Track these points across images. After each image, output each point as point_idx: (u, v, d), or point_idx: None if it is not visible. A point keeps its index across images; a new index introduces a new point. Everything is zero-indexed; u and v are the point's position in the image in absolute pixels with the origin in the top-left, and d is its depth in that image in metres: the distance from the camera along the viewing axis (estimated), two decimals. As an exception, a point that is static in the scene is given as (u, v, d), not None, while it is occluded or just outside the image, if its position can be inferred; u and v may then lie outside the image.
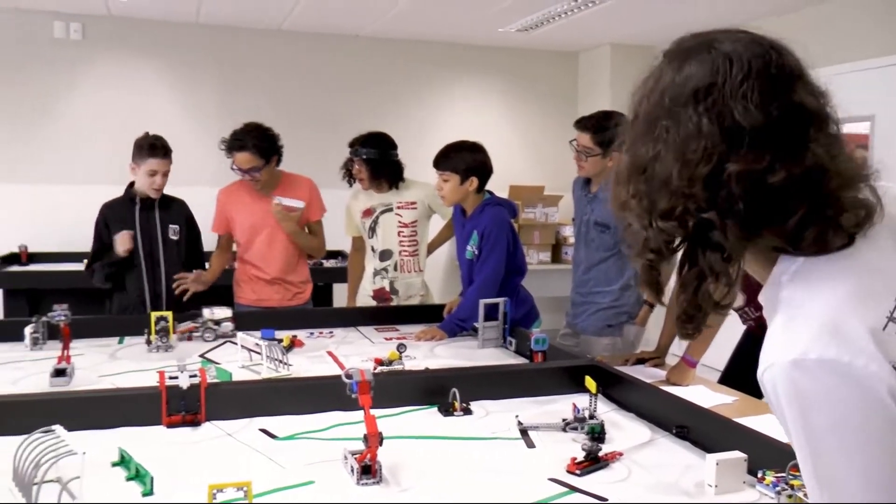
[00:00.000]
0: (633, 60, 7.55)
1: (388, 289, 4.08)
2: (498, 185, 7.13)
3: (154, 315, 3.05)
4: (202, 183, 6.30)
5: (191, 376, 2.16)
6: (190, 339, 3.26)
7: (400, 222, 4.04)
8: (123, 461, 1.87)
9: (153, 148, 3.78)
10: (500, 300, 3.24)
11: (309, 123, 7.07)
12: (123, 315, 3.60)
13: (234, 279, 4.12)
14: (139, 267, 3.77)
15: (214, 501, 1.47)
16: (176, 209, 3.95)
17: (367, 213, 4.07)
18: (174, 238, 3.86)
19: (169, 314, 3.07)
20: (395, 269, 4.07)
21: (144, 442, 2.04)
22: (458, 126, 7.53)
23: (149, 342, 3.06)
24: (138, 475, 1.78)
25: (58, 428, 1.75)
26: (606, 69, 7.55)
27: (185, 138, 6.92)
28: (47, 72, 6.64)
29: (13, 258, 5.72)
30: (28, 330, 3.04)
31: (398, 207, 4.04)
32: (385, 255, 4.07)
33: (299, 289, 4.10)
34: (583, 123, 3.39)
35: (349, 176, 4.09)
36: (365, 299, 4.14)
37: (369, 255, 4.16)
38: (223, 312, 3.24)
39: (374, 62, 7.41)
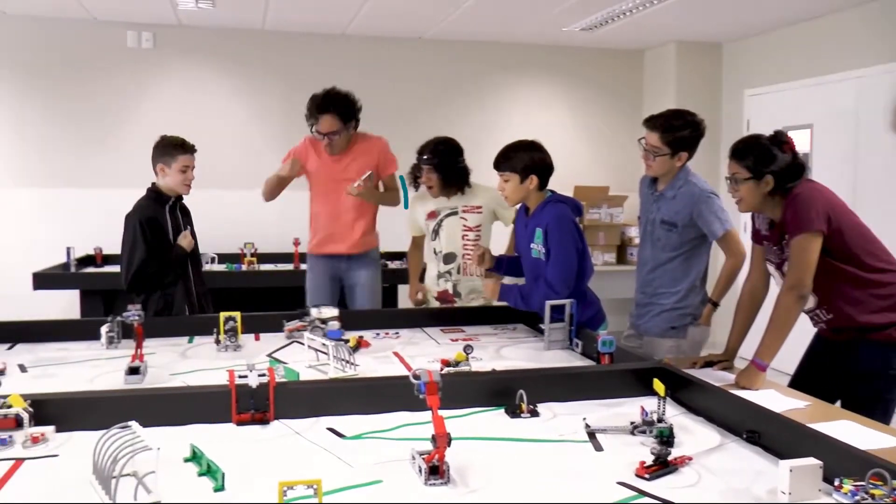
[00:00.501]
0: (699, 58, 7.44)
1: (451, 291, 4.10)
2: (562, 186, 7.06)
3: (223, 315, 3.10)
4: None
5: (260, 375, 2.18)
6: (258, 338, 3.31)
7: (465, 226, 4.07)
8: (195, 457, 1.90)
9: (184, 145, 3.87)
10: (566, 301, 3.20)
11: (372, 127, 7.10)
12: (192, 315, 3.66)
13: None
14: (185, 266, 3.87)
15: (285, 498, 1.48)
16: (185, 208, 4.07)
17: (432, 215, 4.10)
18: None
19: (237, 314, 3.12)
20: (459, 272, 4.10)
21: (215, 439, 2.06)
22: (521, 127, 7.50)
23: (218, 341, 3.11)
24: (210, 471, 1.81)
25: (133, 424, 1.79)
26: (672, 67, 7.45)
27: (251, 141, 7.08)
28: (120, 80, 6.86)
29: (89, 260, 5.91)
30: (104, 329, 3.13)
31: (463, 211, 4.06)
32: (449, 258, 4.10)
33: (372, 237, 4.42)
34: (652, 122, 3.35)
35: (415, 181, 4.13)
36: (431, 300, 4.20)
37: (431, 257, 4.19)
38: (330, 312, 3.29)
39: (436, 64, 7.44)
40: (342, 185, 4.19)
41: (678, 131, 3.30)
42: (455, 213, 4.07)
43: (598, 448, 2.05)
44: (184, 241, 3.77)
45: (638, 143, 3.40)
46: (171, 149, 3.84)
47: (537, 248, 3.39)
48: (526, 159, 3.40)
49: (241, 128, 7.11)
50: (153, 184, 3.90)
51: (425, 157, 4.00)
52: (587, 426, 2.18)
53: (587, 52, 7.75)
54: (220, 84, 7.08)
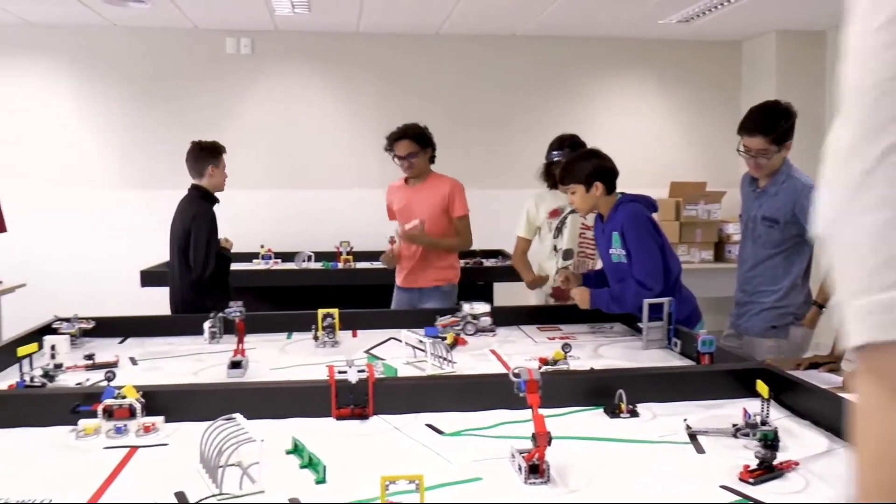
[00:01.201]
0: (801, 47, 7.16)
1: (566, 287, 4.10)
2: (658, 182, 7.03)
3: (321, 312, 3.15)
4: (365, 185, 6.52)
5: (359, 371, 2.20)
6: (355, 334, 3.35)
7: (582, 224, 4.17)
8: (297, 450, 1.93)
9: (223, 149, 4.44)
10: (664, 300, 3.13)
11: (466, 125, 7.13)
12: (290, 312, 3.72)
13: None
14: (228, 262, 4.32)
15: (387, 493, 1.49)
16: None
17: (555, 213, 4.22)
18: None
19: (335, 311, 3.16)
20: (574, 269, 4.14)
21: (315, 432, 2.09)
22: (616, 123, 7.40)
23: (316, 338, 3.16)
24: (311, 463, 1.83)
25: (238, 416, 1.83)
26: (772, 58, 7.20)
27: (347, 142, 7.19)
28: (220, 85, 7.07)
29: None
30: (206, 325, 3.23)
31: None
32: (567, 254, 4.19)
33: (445, 271, 4.46)
34: (751, 127, 3.27)
35: (550, 177, 4.21)
36: (543, 297, 4.28)
37: (550, 254, 4.28)
38: (482, 307, 3.35)
39: (530, 61, 7.39)
40: (411, 217, 4.34)
41: (779, 125, 3.23)
42: (576, 211, 4.04)
43: (700, 450, 1.99)
44: (227, 242, 4.07)
45: (738, 152, 3.33)
46: (217, 152, 4.38)
47: (616, 252, 3.38)
48: (587, 168, 3.41)
49: (337, 129, 7.23)
50: (197, 185, 4.37)
51: (560, 151, 4.10)
52: (688, 427, 2.12)
53: (683, 45, 7.57)
54: (315, 87, 7.22)
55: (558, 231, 4.21)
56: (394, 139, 4.36)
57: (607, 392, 2.31)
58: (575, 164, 3.47)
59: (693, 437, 2.07)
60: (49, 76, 7.00)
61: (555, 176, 4.08)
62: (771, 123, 3.22)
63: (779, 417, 2.23)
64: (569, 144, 4.14)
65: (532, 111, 7.21)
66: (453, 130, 6.88)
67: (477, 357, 2.99)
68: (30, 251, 6.71)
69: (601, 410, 2.30)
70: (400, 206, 4.48)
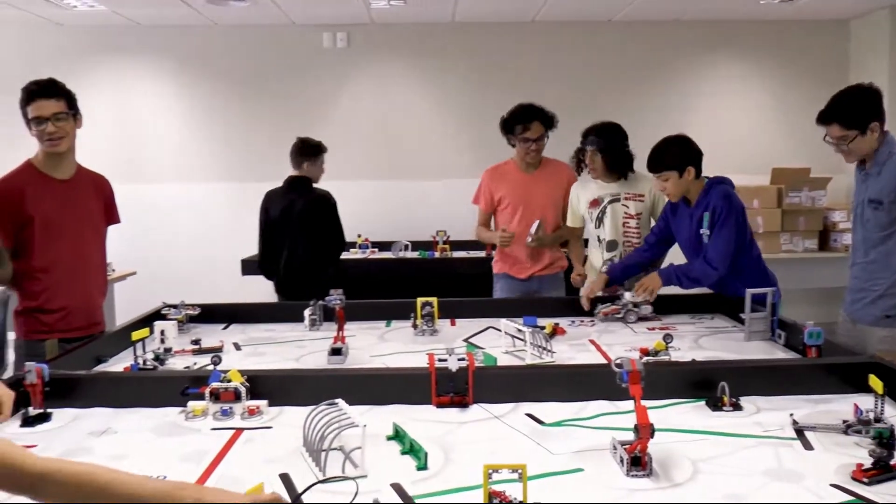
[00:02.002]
0: (918, 24, 6.78)
1: None
2: (759, 168, 6.81)
3: (420, 300, 3.16)
4: (459, 175, 6.54)
5: (459, 359, 2.20)
6: (453, 323, 3.35)
7: (626, 213, 4.04)
8: (398, 436, 1.94)
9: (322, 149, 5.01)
10: (768, 290, 3.03)
11: (559, 113, 7.04)
12: (389, 300, 3.76)
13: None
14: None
15: (490, 481, 1.47)
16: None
17: (595, 203, 4.08)
18: None
19: (434, 299, 3.17)
20: (621, 259, 4.05)
21: (415, 419, 2.10)
22: (712, 108, 7.19)
23: (415, 326, 3.18)
24: (412, 450, 1.84)
25: (340, 401, 1.85)
26: (885, 36, 6.83)
27: (442, 132, 7.21)
28: (317, 79, 7.21)
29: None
30: (307, 312, 3.28)
31: (625, 198, 4.03)
32: (611, 245, 4.07)
33: (560, 259, 4.40)
34: (824, 116, 3.18)
35: (579, 165, 4.13)
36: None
37: (594, 245, 4.19)
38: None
39: (626, 47, 7.26)
40: (532, 204, 4.24)
41: (853, 108, 3.12)
42: (617, 200, 4.04)
43: (808, 446, 1.89)
44: None
45: (824, 141, 3.25)
46: (315, 150, 4.99)
47: (707, 233, 3.44)
48: (679, 153, 3.46)
49: (432, 120, 7.26)
50: (294, 176, 4.86)
51: (590, 138, 3.99)
52: (794, 423, 2.02)
53: (785, 25, 7.27)
54: (410, 78, 7.27)
55: (599, 221, 4.08)
56: (526, 120, 4.15)
57: (710, 384, 2.24)
58: (664, 150, 3.48)
59: (800, 432, 1.98)
60: (156, 76, 7.29)
61: (582, 163, 4.08)
62: (843, 110, 3.12)
63: (894, 415, 2.12)
64: (596, 132, 3.99)
65: (625, 97, 7.06)
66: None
67: (576, 347, 2.94)
68: (139, 241, 6.98)
69: (703, 403, 2.23)
70: (514, 194, 4.29)
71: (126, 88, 7.22)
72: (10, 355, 3.73)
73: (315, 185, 4.96)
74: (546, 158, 4.33)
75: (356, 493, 1.59)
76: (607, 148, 3.95)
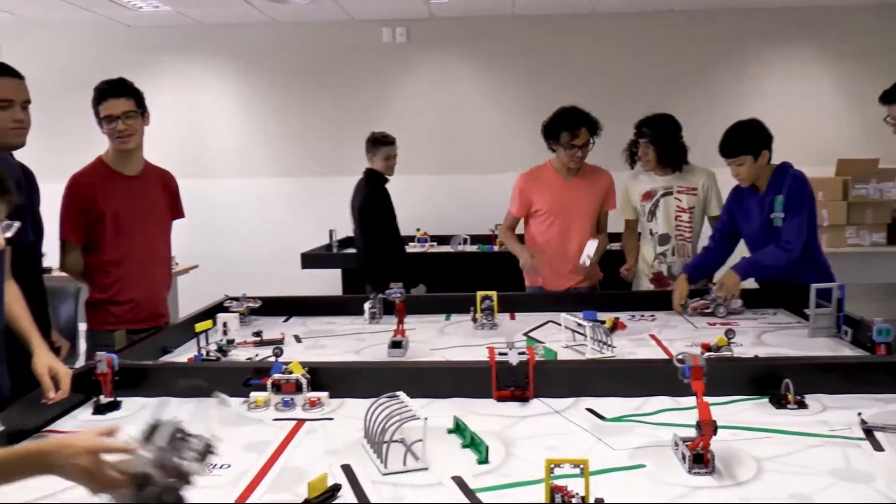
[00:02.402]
0: None
1: (665, 273, 3.99)
2: (823, 159, 6.63)
3: (480, 294, 3.16)
4: (518, 168, 6.46)
5: (519, 353, 2.19)
6: (513, 317, 3.34)
7: (678, 207, 3.97)
8: (458, 429, 1.94)
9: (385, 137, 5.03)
10: (832, 285, 2.95)
11: (620, 106, 6.96)
12: (449, 294, 3.76)
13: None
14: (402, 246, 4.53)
15: (552, 476, 1.46)
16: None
17: (647, 195, 4.01)
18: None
19: (494, 293, 3.16)
20: (673, 253, 3.99)
21: (476, 413, 2.09)
22: (776, 98, 7.02)
23: (474, 320, 3.17)
24: (473, 443, 1.83)
25: (401, 394, 1.86)
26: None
27: (500, 125, 7.20)
28: (376, 74, 7.27)
29: (349, 241, 6.28)
30: (367, 305, 3.31)
31: (678, 192, 3.96)
32: (664, 239, 4.01)
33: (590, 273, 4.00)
34: (888, 96, 3.15)
35: (632, 157, 4.04)
36: (646, 282, 4.10)
37: (647, 238, 4.11)
38: None
39: (687, 37, 7.15)
40: (571, 212, 3.98)
41: None
42: (670, 193, 3.97)
43: (878, 447, 1.83)
44: None
45: (885, 122, 3.22)
46: (378, 141, 5.08)
47: (780, 216, 3.43)
48: (753, 137, 3.42)
49: (491, 113, 7.24)
50: (368, 168, 5.09)
51: (643, 130, 3.93)
52: (863, 422, 1.96)
53: (852, 11, 7.03)
54: (469, 72, 7.26)
55: (651, 214, 4.00)
56: (574, 126, 3.84)
57: (773, 381, 2.18)
58: (739, 134, 3.44)
59: (869, 432, 1.92)
60: (217, 73, 7.44)
61: (635, 155, 3.99)
62: None
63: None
64: (649, 124, 3.89)
65: (683, 89, 6.94)
66: (608, 112, 6.75)
67: (636, 342, 2.91)
68: (202, 235, 7.11)
69: (767, 400, 2.18)
70: (553, 201, 3.98)
71: (189, 86, 7.37)
72: (82, 345, 3.83)
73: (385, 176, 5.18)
74: (586, 165, 4.07)
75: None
76: (660, 140, 3.89)
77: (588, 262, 3.85)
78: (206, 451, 1.38)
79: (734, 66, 7.16)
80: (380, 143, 5.12)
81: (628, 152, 4.06)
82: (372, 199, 4.98)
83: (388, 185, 5.14)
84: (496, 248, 5.91)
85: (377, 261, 4.94)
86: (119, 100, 3.00)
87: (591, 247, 3.86)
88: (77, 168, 3.14)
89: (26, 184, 2.73)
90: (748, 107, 6.58)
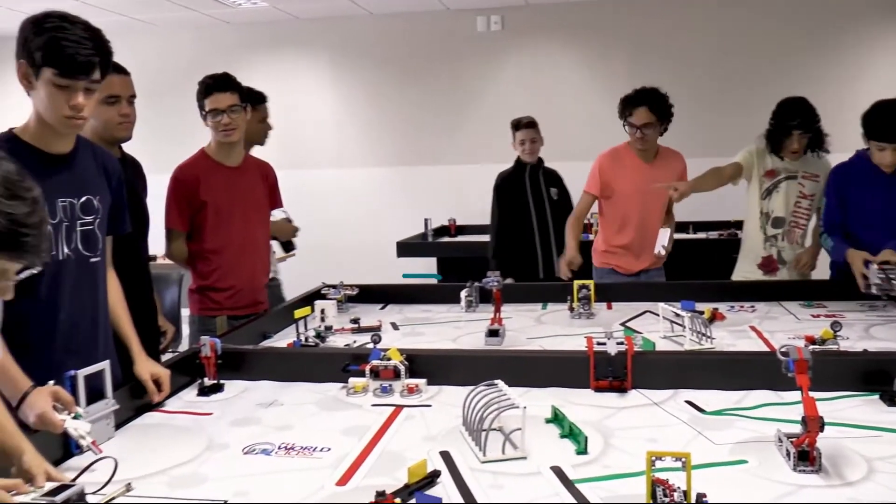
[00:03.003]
0: None
1: (776, 258, 3.86)
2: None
3: (577, 283, 3.14)
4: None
5: (618, 343, 2.16)
6: (610, 307, 3.30)
7: (800, 192, 3.82)
8: (556, 419, 1.93)
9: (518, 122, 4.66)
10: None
11: (717, 88, 6.79)
12: (548, 283, 3.75)
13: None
14: (532, 232, 4.04)
15: (653, 469, 1.44)
16: (552, 172, 4.35)
17: (771, 174, 3.85)
18: (555, 199, 4.18)
19: (591, 282, 3.13)
20: (783, 239, 3.85)
21: (573, 403, 2.08)
22: (880, 80, 6.63)
23: (571, 309, 3.15)
24: (572, 433, 1.82)
25: (499, 382, 1.86)
26: None
27: (597, 113, 7.08)
28: (470, 63, 7.27)
29: (443, 230, 6.35)
30: (463, 293, 3.32)
31: (803, 177, 3.81)
32: (778, 222, 3.86)
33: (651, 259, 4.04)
34: None
35: (777, 144, 3.79)
36: (751, 266, 3.92)
37: (755, 216, 3.91)
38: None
39: (786, 17, 6.84)
40: (650, 195, 3.91)
41: None
42: (794, 178, 3.82)
43: None
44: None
45: None
46: (515, 127, 4.62)
47: None
48: None
49: (589, 99, 7.12)
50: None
51: (797, 121, 3.69)
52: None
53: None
54: (566, 58, 7.18)
55: (768, 193, 3.83)
56: (632, 104, 3.91)
57: (884, 377, 2.09)
58: None
59: None
60: (313, 66, 7.60)
61: (779, 143, 3.76)
62: None
63: None
64: (801, 112, 3.69)
65: (788, 74, 6.66)
66: (703, 94, 6.60)
67: (736, 334, 2.83)
68: (299, 224, 7.27)
69: (877, 397, 2.08)
70: (630, 184, 3.98)
71: (286, 79, 7.52)
72: (184, 329, 3.99)
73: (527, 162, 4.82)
74: (663, 148, 4.07)
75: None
76: (812, 128, 3.73)
77: (664, 252, 3.88)
78: None
79: (831, 47, 6.81)
80: (512, 127, 4.89)
81: (768, 138, 3.83)
82: (504, 179, 4.82)
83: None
84: (591, 236, 5.84)
85: (500, 244, 4.78)
86: (224, 94, 3.10)
87: (665, 236, 3.87)
88: (180, 160, 3.26)
89: (133, 175, 2.85)
90: (845, 90, 6.30)
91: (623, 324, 3.01)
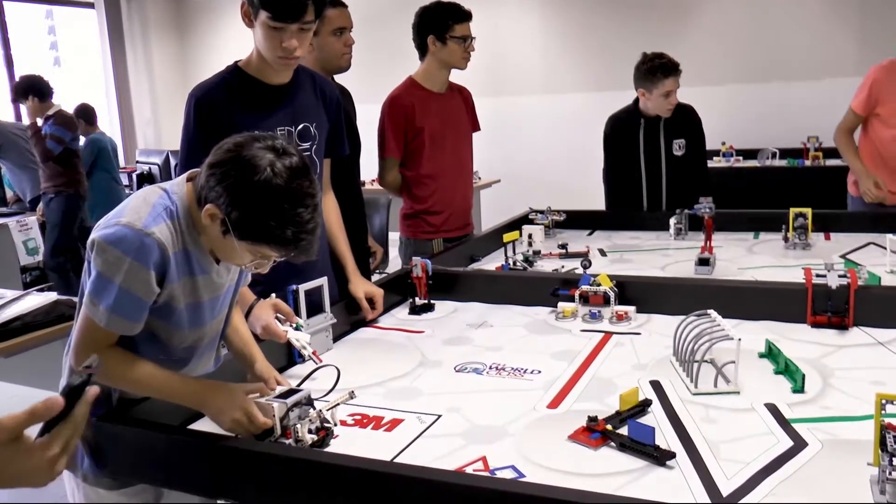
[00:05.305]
0: None
1: None
2: None
3: (793, 211, 2.98)
4: (836, 73, 5.96)
5: (839, 276, 2.05)
6: (828, 237, 3.12)
7: None
8: (770, 354, 1.88)
9: (666, 68, 3.50)
10: None
11: None
12: (759, 210, 3.58)
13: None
14: (640, 184, 3.69)
15: (883, 413, 1.37)
16: (683, 122, 3.68)
17: None
18: (678, 154, 3.64)
19: (808, 210, 2.96)
20: None
21: (788, 338, 2.01)
22: None
23: (786, 239, 3.01)
24: (787, 370, 1.77)
25: (712, 312, 1.83)
26: None
27: (814, 27, 6.56)
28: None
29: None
30: (672, 220, 3.27)
31: None
32: None
33: None
34: None
35: None
36: None
37: None
38: None
39: None
40: None
41: None
42: None
43: None
44: None
45: None
46: (652, 73, 3.53)
47: None
48: None
49: (808, 12, 6.58)
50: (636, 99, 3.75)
51: None
52: None
53: None
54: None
55: None
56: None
57: None
58: None
59: None
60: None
61: None
62: None
63: None
64: None
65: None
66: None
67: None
68: (502, 151, 7.33)
69: None
70: None
71: (492, 7, 7.47)
72: (391, 251, 4.19)
73: None
74: None
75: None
76: None
77: None
78: (321, 428, 1.53)
79: None
80: (649, 72, 4.21)
81: None
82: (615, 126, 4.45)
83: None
84: (808, 162, 5.49)
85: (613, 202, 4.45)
86: (470, 24, 3.23)
87: None
88: (385, 90, 3.35)
89: (346, 101, 2.98)
90: None
91: (843, 256, 2.85)
